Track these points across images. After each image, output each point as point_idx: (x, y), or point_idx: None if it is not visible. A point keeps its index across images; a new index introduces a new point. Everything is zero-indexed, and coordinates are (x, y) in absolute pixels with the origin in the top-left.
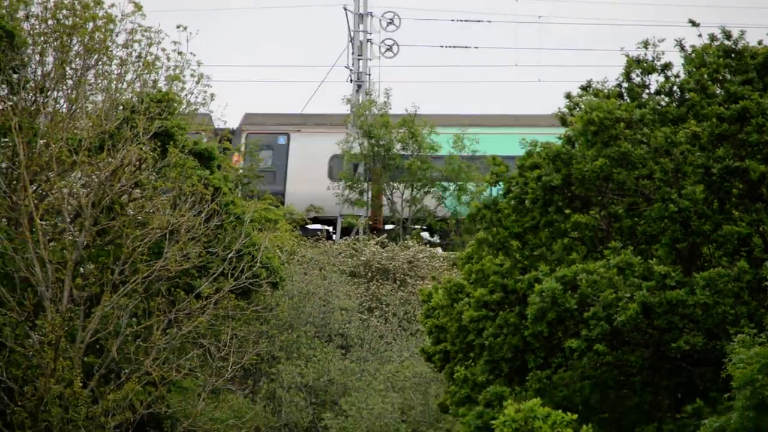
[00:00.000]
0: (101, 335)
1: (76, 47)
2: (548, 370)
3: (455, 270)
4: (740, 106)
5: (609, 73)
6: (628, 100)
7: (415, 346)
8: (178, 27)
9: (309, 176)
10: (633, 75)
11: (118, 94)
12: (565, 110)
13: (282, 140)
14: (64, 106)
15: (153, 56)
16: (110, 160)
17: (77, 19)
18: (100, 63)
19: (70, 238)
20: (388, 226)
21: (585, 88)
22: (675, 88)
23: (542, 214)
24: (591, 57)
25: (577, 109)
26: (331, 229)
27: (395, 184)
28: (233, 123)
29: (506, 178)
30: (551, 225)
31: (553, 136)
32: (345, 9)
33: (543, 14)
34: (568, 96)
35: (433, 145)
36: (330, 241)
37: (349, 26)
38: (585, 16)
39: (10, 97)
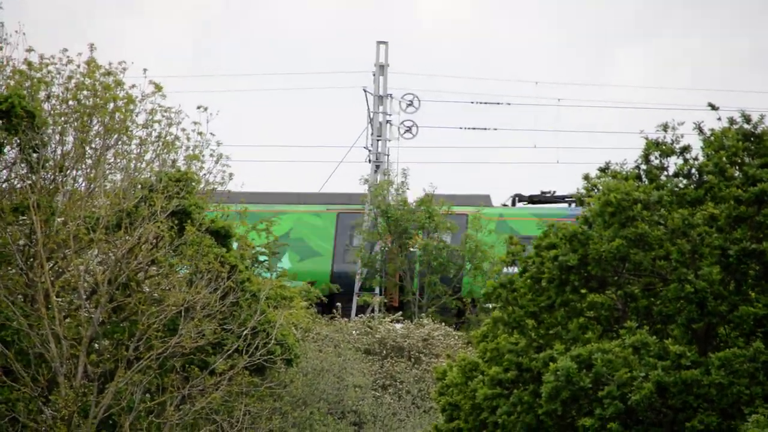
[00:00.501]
0: (114, 411)
1: (96, 127)
2: None
3: (470, 348)
4: (758, 189)
5: (628, 156)
6: (647, 182)
7: (428, 423)
8: (198, 107)
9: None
10: (652, 157)
11: (136, 173)
12: (583, 191)
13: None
14: (83, 184)
15: (173, 136)
16: (127, 237)
17: (98, 99)
18: (119, 143)
19: (86, 314)
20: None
21: (603, 170)
22: (693, 170)
23: (558, 293)
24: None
25: (595, 190)
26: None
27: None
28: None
29: (522, 257)
30: (567, 304)
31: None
32: (365, 91)
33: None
34: (587, 177)
35: (449, 224)
36: (345, 319)
37: (368, 107)
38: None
39: (29, 175)
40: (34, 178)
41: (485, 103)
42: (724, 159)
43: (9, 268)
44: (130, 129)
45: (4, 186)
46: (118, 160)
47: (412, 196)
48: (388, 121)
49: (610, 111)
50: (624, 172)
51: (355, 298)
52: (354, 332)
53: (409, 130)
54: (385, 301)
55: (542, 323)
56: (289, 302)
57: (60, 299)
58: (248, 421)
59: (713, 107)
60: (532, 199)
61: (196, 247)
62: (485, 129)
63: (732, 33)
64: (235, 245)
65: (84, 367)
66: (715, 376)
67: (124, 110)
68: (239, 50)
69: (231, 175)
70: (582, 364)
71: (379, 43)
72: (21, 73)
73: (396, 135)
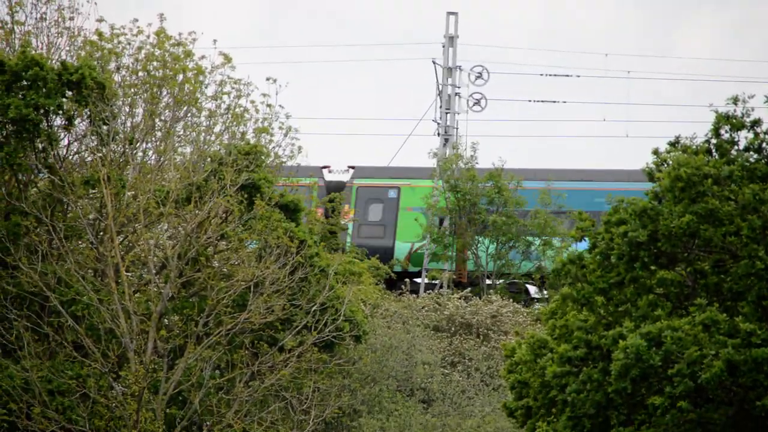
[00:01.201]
0: (184, 387)
1: (165, 99)
2: (631, 427)
3: (539, 325)
4: None
5: (698, 129)
6: (717, 157)
7: (497, 401)
8: (267, 79)
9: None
10: (722, 131)
11: (206, 146)
12: (653, 166)
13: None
14: (153, 157)
15: (242, 108)
16: (197, 212)
17: (167, 71)
18: (189, 115)
19: (156, 289)
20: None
21: (673, 144)
22: (764, 144)
23: (627, 270)
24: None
25: (665, 165)
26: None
27: (480, 239)
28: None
29: (592, 233)
30: (636, 281)
31: (640, 191)
32: (434, 62)
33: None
34: (656, 152)
35: (519, 199)
36: (413, 295)
37: (437, 80)
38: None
39: (100, 148)
40: (104, 150)
41: (554, 75)
42: None
43: (79, 242)
44: (199, 101)
45: (74, 159)
46: (188, 133)
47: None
48: (457, 94)
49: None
50: (694, 147)
51: (423, 274)
52: (422, 309)
53: (478, 102)
54: (454, 276)
55: (611, 300)
56: (358, 278)
57: (130, 274)
58: (317, 398)
59: None
60: None
61: (266, 221)
62: (554, 102)
63: None
64: (304, 219)
65: (154, 343)
66: None
67: (193, 82)
68: (307, 22)
69: (300, 148)
70: (651, 342)
71: (449, 14)
72: (92, 43)
73: (465, 108)
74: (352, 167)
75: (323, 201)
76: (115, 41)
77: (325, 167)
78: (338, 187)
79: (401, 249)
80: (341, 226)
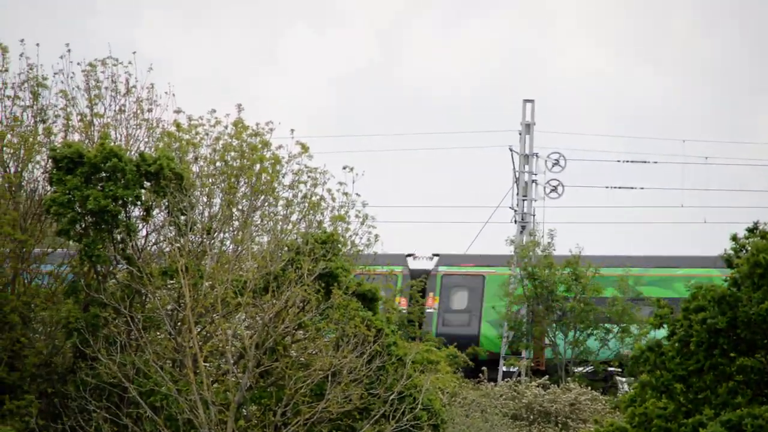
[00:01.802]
0: None
1: (242, 189)
2: None
3: (617, 413)
4: None
5: None
6: None
7: None
8: (344, 168)
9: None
10: None
11: (283, 235)
12: (731, 252)
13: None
14: (230, 247)
15: (318, 197)
16: (274, 301)
17: (245, 160)
18: (266, 204)
19: (234, 379)
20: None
21: (752, 230)
22: None
23: (707, 357)
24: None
25: (744, 251)
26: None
27: (556, 326)
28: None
29: (670, 320)
30: (716, 368)
31: (718, 278)
32: (511, 150)
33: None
34: (734, 238)
35: (596, 286)
36: (491, 383)
37: (514, 167)
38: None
39: (177, 238)
40: (182, 241)
41: (632, 161)
42: None
43: (158, 332)
44: (276, 190)
45: (152, 249)
46: (265, 222)
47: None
48: (534, 181)
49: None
50: None
51: (501, 362)
52: (500, 397)
53: (554, 189)
54: (532, 364)
55: (691, 387)
56: (436, 366)
57: (208, 364)
58: None
59: None
60: None
61: (343, 310)
62: (632, 188)
63: None
64: (380, 308)
65: None
66: None
67: (270, 171)
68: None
69: (377, 236)
70: (732, 430)
71: (526, 101)
72: (170, 134)
73: (542, 194)
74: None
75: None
76: (193, 132)
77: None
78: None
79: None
80: (421, 315)
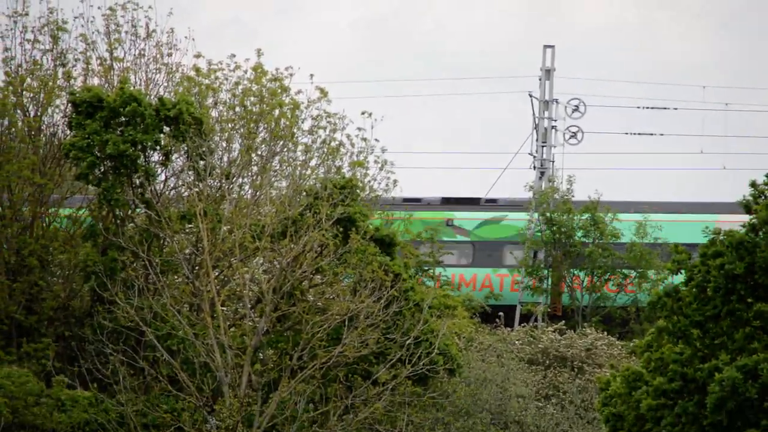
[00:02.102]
0: (278, 420)
1: (262, 134)
2: None
3: (633, 358)
4: None
5: None
6: None
7: None
8: (362, 113)
9: None
10: None
11: (302, 181)
12: (750, 198)
13: None
14: (249, 192)
15: (337, 142)
16: (292, 246)
17: (264, 106)
18: (285, 149)
19: (251, 324)
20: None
21: None
22: None
23: (724, 302)
24: None
25: (763, 197)
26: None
27: (575, 272)
28: None
29: (688, 265)
30: (733, 314)
31: (737, 223)
32: (531, 96)
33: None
34: (753, 184)
35: (615, 232)
36: (508, 329)
37: (534, 113)
38: None
39: (196, 183)
40: (201, 185)
41: (652, 108)
42: None
43: (176, 276)
44: (295, 135)
45: (171, 194)
46: (284, 167)
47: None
48: (553, 127)
49: None
50: None
51: (518, 307)
52: (517, 342)
53: (574, 135)
54: (549, 309)
55: (707, 333)
56: (452, 311)
57: (225, 308)
58: (411, 431)
59: None
60: None
61: (361, 255)
62: (651, 134)
63: None
64: (399, 253)
65: (248, 377)
66: None
67: (290, 116)
68: (404, 56)
69: (395, 181)
70: (748, 375)
71: (546, 47)
72: (189, 79)
73: (561, 141)
74: None
75: None
76: (213, 77)
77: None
78: None
79: None
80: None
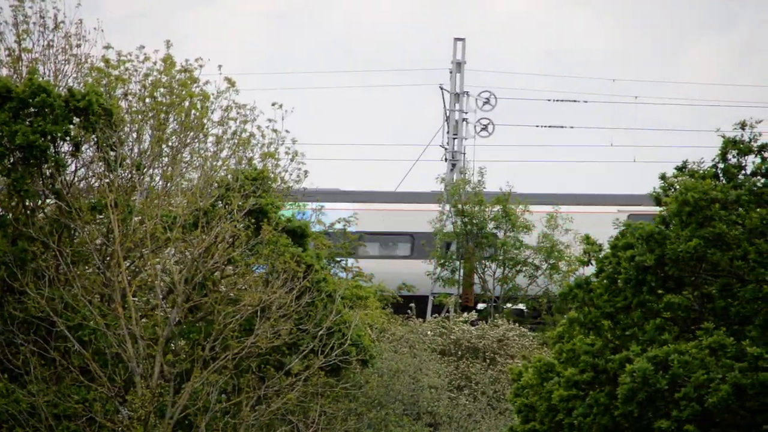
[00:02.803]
0: (191, 411)
1: (172, 125)
2: None
3: (545, 349)
4: None
5: (705, 154)
6: (724, 181)
7: (504, 425)
8: (273, 104)
9: None
10: (729, 156)
11: (213, 172)
12: (660, 191)
13: None
14: (160, 183)
15: (248, 133)
16: (204, 237)
17: (174, 97)
18: (195, 140)
19: (162, 314)
20: (480, 305)
21: (680, 169)
22: None
23: (635, 294)
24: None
25: (672, 189)
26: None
27: (487, 263)
28: None
29: (599, 257)
30: (644, 305)
31: (646, 216)
32: (441, 88)
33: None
34: (663, 177)
35: (526, 224)
36: (420, 320)
37: (445, 105)
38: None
39: (107, 174)
40: (111, 176)
41: (562, 100)
42: None
43: (86, 267)
44: (206, 127)
45: (81, 185)
46: (195, 158)
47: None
48: (464, 119)
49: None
50: (701, 171)
51: (430, 298)
52: (429, 333)
53: (485, 128)
54: (460, 301)
55: (618, 324)
56: (365, 302)
57: (136, 299)
58: (324, 422)
59: None
60: None
61: (273, 246)
62: (562, 127)
63: None
64: (311, 245)
65: (160, 367)
66: None
67: (200, 107)
68: (314, 48)
69: (306, 172)
70: (658, 366)
71: (456, 39)
72: (99, 70)
73: (472, 133)
74: None
75: None
76: (122, 68)
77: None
78: None
79: None
80: (349, 251)
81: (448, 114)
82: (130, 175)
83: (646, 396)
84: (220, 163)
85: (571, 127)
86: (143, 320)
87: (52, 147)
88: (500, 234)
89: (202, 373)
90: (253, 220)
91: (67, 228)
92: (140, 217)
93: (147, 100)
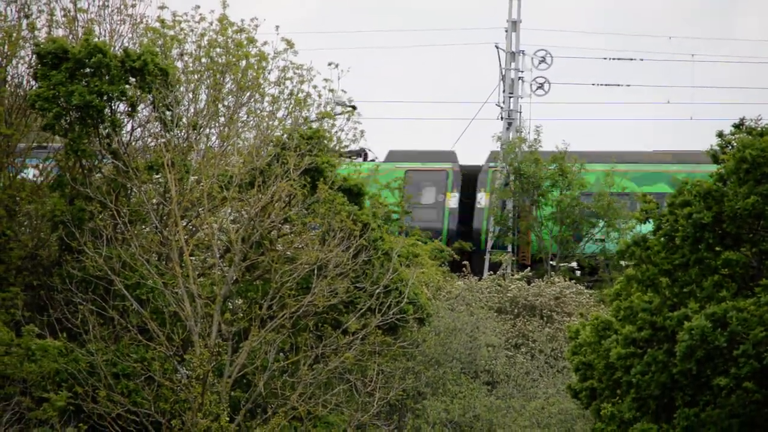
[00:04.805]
0: (249, 370)
1: (228, 85)
2: (696, 408)
3: (602, 307)
4: None
5: (763, 111)
6: None
7: (562, 383)
8: (329, 64)
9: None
10: None
11: (269, 131)
12: (717, 148)
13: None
14: (216, 143)
15: (304, 93)
16: (260, 196)
17: (230, 57)
18: (252, 100)
19: (220, 273)
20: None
21: (738, 126)
22: None
23: (692, 251)
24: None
25: (730, 147)
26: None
27: (544, 221)
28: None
29: (656, 215)
30: (701, 262)
31: (705, 173)
32: (497, 47)
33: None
34: (720, 134)
35: (582, 182)
36: (476, 277)
37: (500, 64)
38: (739, 54)
39: (164, 134)
40: (168, 136)
41: (618, 59)
42: None
43: (144, 226)
44: (262, 86)
45: (137, 144)
46: (251, 118)
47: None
48: (520, 78)
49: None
50: (759, 128)
51: (487, 256)
52: (485, 291)
53: (541, 86)
54: (514, 258)
55: (676, 281)
56: (421, 260)
57: (194, 258)
58: (381, 381)
59: None
60: None
61: (329, 205)
62: (618, 85)
63: None
64: (367, 203)
65: (218, 326)
66: None
67: (256, 67)
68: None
69: (362, 132)
70: (717, 323)
71: None
72: (154, 30)
73: (528, 92)
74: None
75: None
76: (178, 28)
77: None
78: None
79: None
80: (405, 210)
81: (503, 73)
82: (186, 135)
83: (705, 353)
84: (276, 122)
85: (628, 86)
86: (201, 279)
87: (108, 107)
88: (557, 192)
89: (259, 332)
90: (309, 179)
91: (124, 188)
92: (197, 177)
93: (203, 60)
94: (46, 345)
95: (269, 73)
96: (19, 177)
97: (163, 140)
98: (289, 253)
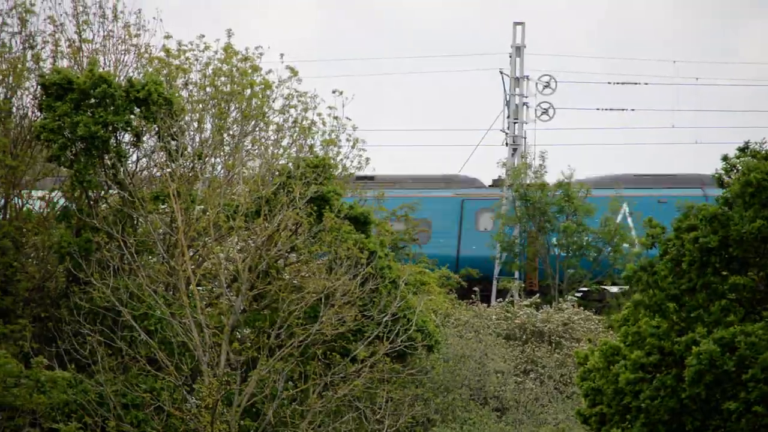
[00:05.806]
0: (258, 399)
1: (233, 114)
2: None
3: (611, 332)
4: None
5: (767, 134)
6: None
7: (571, 408)
8: (333, 92)
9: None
10: None
11: (274, 160)
12: (723, 172)
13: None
14: (222, 172)
15: (309, 121)
16: (267, 225)
17: (235, 86)
18: (257, 129)
19: (227, 302)
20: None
21: (743, 150)
22: None
23: (699, 275)
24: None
25: (735, 170)
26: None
27: (550, 247)
28: None
29: (662, 239)
30: (708, 287)
31: (710, 197)
32: (501, 73)
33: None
34: (725, 158)
35: (588, 207)
36: (484, 304)
37: (505, 90)
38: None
39: (169, 164)
40: (173, 166)
41: (623, 83)
42: None
43: (150, 257)
44: (267, 115)
45: (143, 174)
46: (256, 147)
47: (551, 178)
48: (524, 104)
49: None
50: (764, 152)
51: (494, 283)
52: (493, 317)
53: (545, 112)
54: (521, 285)
55: (684, 306)
56: (428, 288)
57: (201, 288)
58: (390, 408)
59: None
60: None
61: (336, 233)
62: (623, 110)
63: None
64: (374, 231)
65: (227, 356)
66: None
67: (261, 96)
68: (374, 34)
69: (367, 159)
70: (725, 347)
71: (516, 24)
72: (159, 60)
73: (533, 117)
74: None
75: None
76: (182, 57)
77: None
78: None
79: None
80: (412, 237)
81: (508, 98)
82: (191, 165)
83: (714, 378)
84: (281, 151)
85: (632, 110)
86: (208, 309)
87: (113, 138)
88: (562, 219)
89: (268, 360)
90: (315, 208)
91: (130, 218)
92: (203, 206)
93: (208, 89)
94: (55, 376)
95: (274, 102)
96: (24, 208)
97: (168, 170)
98: (296, 281)
